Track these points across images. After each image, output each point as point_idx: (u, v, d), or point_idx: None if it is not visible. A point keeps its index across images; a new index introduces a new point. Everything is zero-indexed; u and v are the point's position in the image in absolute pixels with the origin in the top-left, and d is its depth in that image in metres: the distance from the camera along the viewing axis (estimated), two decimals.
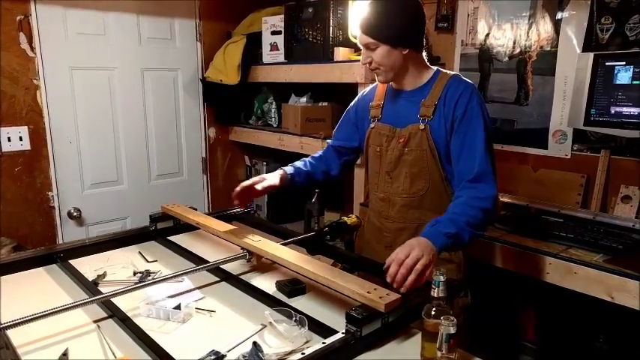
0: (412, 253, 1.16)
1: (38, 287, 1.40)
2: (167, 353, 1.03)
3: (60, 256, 1.56)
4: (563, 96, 2.06)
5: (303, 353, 0.97)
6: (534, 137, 2.16)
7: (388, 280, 1.13)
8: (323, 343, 1.02)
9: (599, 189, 1.96)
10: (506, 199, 2.11)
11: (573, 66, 1.99)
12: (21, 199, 2.28)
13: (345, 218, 1.75)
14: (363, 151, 1.64)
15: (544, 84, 2.12)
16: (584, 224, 1.83)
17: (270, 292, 1.35)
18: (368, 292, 1.11)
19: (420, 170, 1.46)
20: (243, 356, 0.99)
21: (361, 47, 1.47)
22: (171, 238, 1.79)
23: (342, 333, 1.06)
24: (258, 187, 1.58)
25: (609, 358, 1.71)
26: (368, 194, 1.69)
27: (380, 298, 1.09)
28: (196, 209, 1.88)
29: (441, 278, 1.00)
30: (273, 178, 1.62)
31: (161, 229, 1.80)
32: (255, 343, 1.00)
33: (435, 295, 1.00)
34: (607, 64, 1.87)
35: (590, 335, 1.75)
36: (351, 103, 1.72)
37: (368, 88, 1.68)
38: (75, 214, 2.42)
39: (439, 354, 0.79)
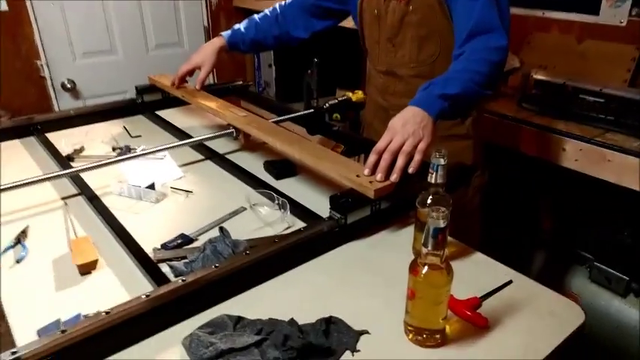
0: (396, 137, 0.96)
1: (9, 160, 1.30)
2: (128, 234, 0.93)
3: (37, 128, 1.44)
4: None
5: (275, 240, 0.86)
6: (583, 0, 1.80)
7: (366, 172, 0.96)
8: (301, 229, 0.90)
9: None
10: (539, 76, 1.83)
11: None
12: (8, 68, 2.13)
13: (350, 94, 1.56)
14: (357, 21, 1.37)
15: None
16: (629, 105, 1.57)
17: (257, 173, 1.22)
18: (357, 176, 0.96)
19: (429, 32, 1.21)
20: (210, 241, 0.89)
21: None
22: (160, 112, 1.65)
23: (325, 219, 0.93)
24: (199, 81, 1.56)
25: (631, 252, 1.58)
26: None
27: (370, 182, 0.94)
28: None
29: (441, 161, 0.83)
30: (209, 62, 1.52)
31: (149, 103, 1.65)
32: (222, 229, 0.89)
33: (432, 182, 0.84)
34: None
35: (614, 229, 1.61)
36: None
37: None
38: (69, 85, 2.28)
39: (424, 251, 0.66)
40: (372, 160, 0.97)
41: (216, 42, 1.54)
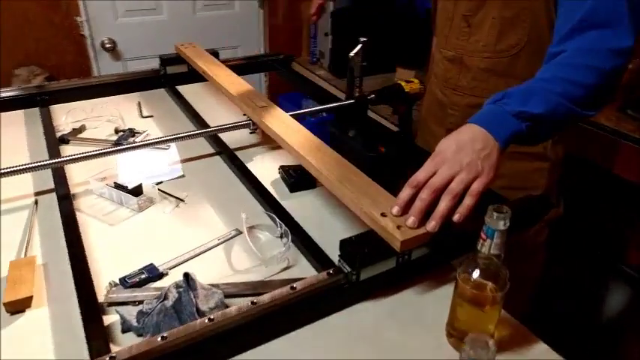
0: (442, 168, 0.69)
1: (2, 138, 1.16)
2: (83, 260, 0.74)
3: (44, 99, 1.29)
4: None
5: (254, 302, 0.63)
6: None
7: (395, 211, 0.69)
8: (293, 286, 0.66)
9: None
10: None
11: None
12: (46, 23, 2.01)
13: (403, 82, 1.27)
14: None
15: None
16: None
17: (269, 180, 1.00)
18: (382, 215, 0.70)
19: (516, 13, 0.89)
20: (177, 286, 0.67)
21: None
22: (182, 87, 1.44)
23: (331, 272, 0.69)
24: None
25: None
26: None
27: (398, 228, 0.67)
28: (217, 53, 1.47)
29: (500, 225, 0.55)
30: None
31: (172, 75, 1.45)
32: (187, 277, 0.67)
33: (485, 252, 0.57)
34: None
35: None
36: None
37: None
38: (108, 45, 2.14)
39: None
40: (406, 195, 0.70)
41: None
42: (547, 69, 0.77)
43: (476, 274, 0.59)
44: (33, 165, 0.89)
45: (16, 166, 0.87)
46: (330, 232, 0.84)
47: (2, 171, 0.85)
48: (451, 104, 1.09)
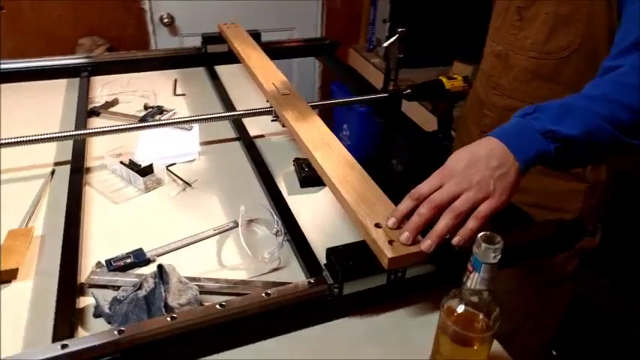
0: (448, 184, 0.61)
1: (41, 103, 1.20)
2: (75, 238, 0.74)
3: (88, 70, 1.32)
4: None
5: (222, 305, 0.59)
6: None
7: (390, 224, 0.62)
8: (268, 293, 0.62)
9: None
10: None
11: None
12: None
13: (444, 79, 1.17)
14: None
15: None
16: None
17: (282, 172, 0.96)
18: (377, 226, 0.64)
19: (572, 11, 0.78)
20: (153, 276, 0.65)
21: None
22: (222, 67, 1.43)
23: (309, 283, 0.64)
24: None
25: None
26: None
27: (390, 243, 0.61)
28: (259, 34, 1.44)
29: (490, 257, 0.47)
30: None
31: (212, 54, 1.44)
32: (160, 269, 0.65)
33: (470, 286, 0.49)
34: None
35: None
36: None
37: None
38: (166, 20, 2.17)
39: None
40: (405, 207, 0.63)
41: None
42: (596, 85, 0.66)
43: (460, 308, 0.52)
44: (44, 136, 0.89)
45: (27, 136, 0.87)
46: (332, 236, 0.79)
47: (9, 140, 0.86)
48: (489, 104, 0.99)
